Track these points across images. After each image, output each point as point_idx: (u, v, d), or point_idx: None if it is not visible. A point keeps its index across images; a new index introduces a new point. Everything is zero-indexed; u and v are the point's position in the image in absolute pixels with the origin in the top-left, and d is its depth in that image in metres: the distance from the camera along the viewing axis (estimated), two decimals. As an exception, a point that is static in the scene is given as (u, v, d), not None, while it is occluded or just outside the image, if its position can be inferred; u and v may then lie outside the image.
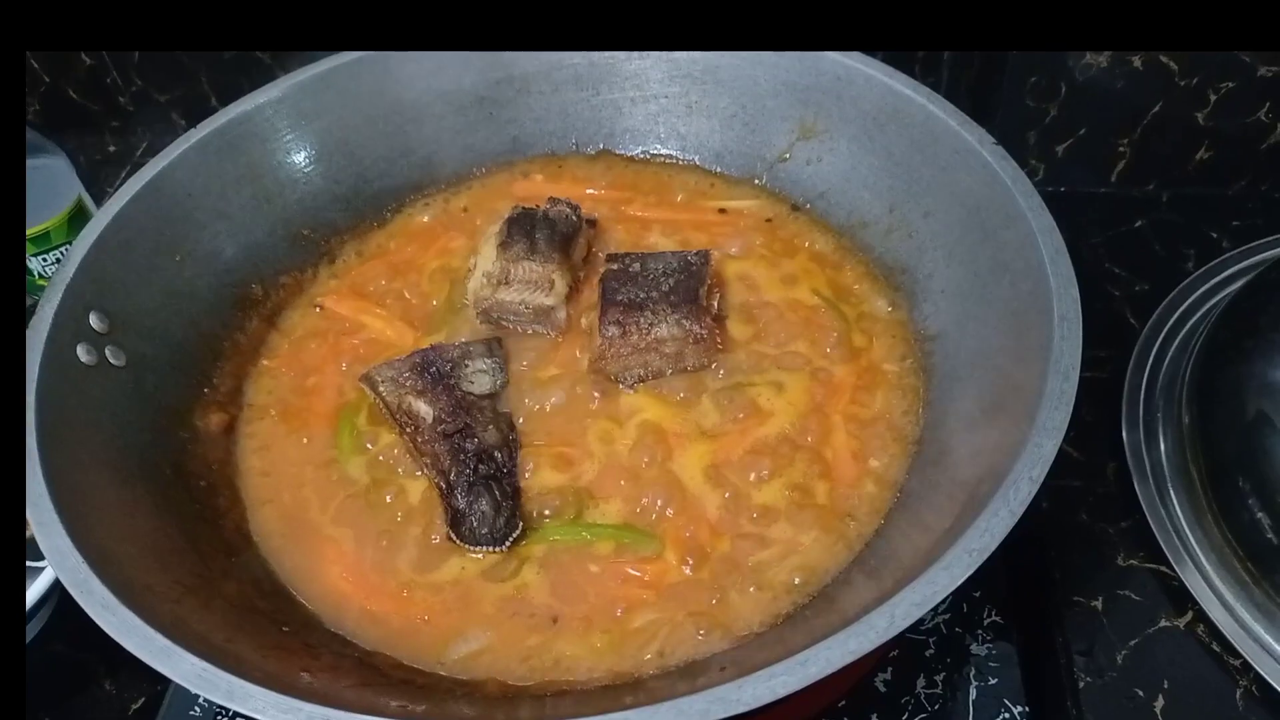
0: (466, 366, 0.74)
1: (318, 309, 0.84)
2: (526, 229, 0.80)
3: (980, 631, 0.75)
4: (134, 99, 1.19)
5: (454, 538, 0.67)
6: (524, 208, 0.82)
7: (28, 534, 0.78)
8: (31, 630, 0.79)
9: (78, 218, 0.94)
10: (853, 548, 0.65)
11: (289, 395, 0.78)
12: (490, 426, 0.72)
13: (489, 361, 0.75)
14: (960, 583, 0.50)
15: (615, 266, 0.78)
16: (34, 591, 0.74)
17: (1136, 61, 0.94)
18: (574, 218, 0.82)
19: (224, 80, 1.15)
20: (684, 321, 0.74)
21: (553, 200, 0.83)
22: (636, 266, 0.78)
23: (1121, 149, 1.01)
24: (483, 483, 0.68)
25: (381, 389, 0.73)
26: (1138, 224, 1.01)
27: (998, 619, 0.76)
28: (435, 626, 0.64)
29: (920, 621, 0.74)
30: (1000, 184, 0.71)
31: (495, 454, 0.70)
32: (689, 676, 0.59)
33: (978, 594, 0.77)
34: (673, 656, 0.62)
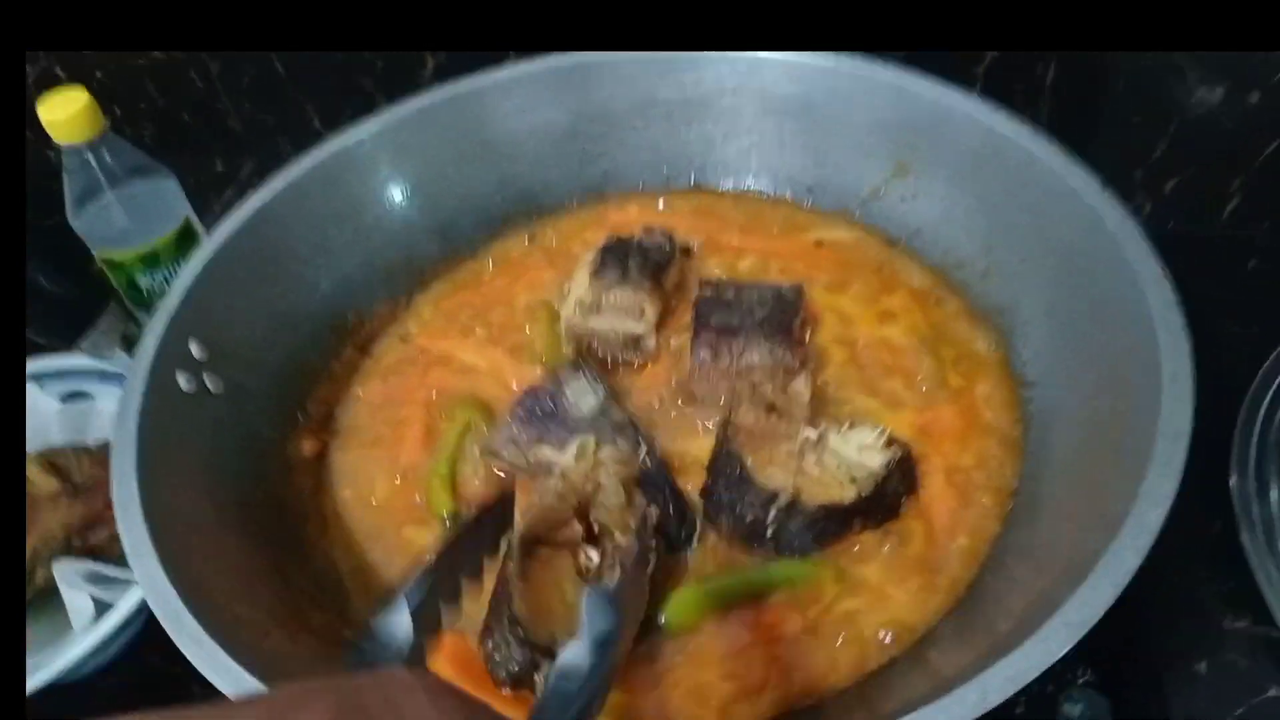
0: (566, 395, 0.73)
1: (409, 341, 0.85)
2: (620, 256, 0.80)
3: (1074, 691, 0.72)
4: (241, 121, 1.23)
5: None
6: (618, 236, 0.82)
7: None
8: (125, 640, 0.81)
9: (185, 238, 0.96)
10: (943, 603, 0.63)
11: (380, 425, 0.79)
12: (618, 439, 0.70)
13: (583, 379, 0.74)
14: (1058, 658, 0.48)
15: (709, 293, 0.78)
16: (129, 603, 0.76)
17: (1253, 97, 0.90)
18: (668, 246, 0.82)
19: (327, 106, 1.18)
20: (776, 351, 0.73)
21: (647, 228, 0.83)
22: (731, 294, 0.77)
23: (1233, 188, 0.97)
24: (648, 495, 0.66)
25: (506, 455, 0.72)
26: (1250, 266, 0.96)
27: (1092, 678, 0.73)
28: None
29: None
30: (1103, 230, 0.68)
31: (643, 461, 0.69)
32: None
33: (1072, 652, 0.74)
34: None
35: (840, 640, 0.62)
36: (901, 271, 0.84)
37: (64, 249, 0.91)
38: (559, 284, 0.85)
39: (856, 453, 0.66)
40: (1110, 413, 0.63)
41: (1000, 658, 0.48)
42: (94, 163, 0.88)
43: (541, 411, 0.72)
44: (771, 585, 0.65)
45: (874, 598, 0.64)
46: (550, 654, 0.53)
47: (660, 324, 0.80)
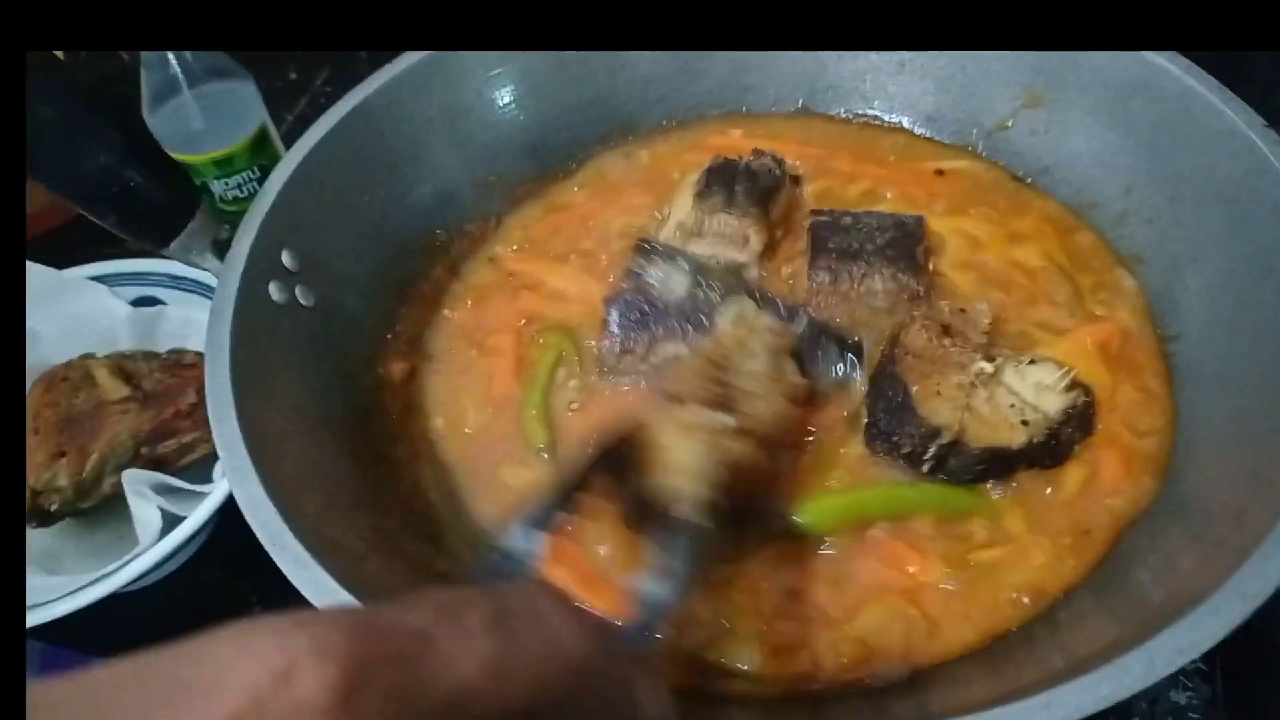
0: (651, 285, 0.69)
1: (498, 264, 0.81)
2: (726, 180, 0.75)
3: (1182, 677, 0.68)
4: (319, 27, 1.18)
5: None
6: (725, 158, 0.77)
7: (201, 453, 0.79)
8: (188, 553, 0.79)
9: (260, 143, 0.93)
10: (1086, 567, 0.59)
11: (470, 351, 0.75)
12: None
13: (660, 261, 0.70)
14: (1231, 631, 0.44)
15: (825, 218, 0.74)
16: (196, 517, 0.74)
17: None
18: (777, 172, 0.77)
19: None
20: (900, 276, 0.70)
21: (756, 152, 0.78)
22: (848, 220, 0.74)
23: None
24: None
25: (626, 368, 0.69)
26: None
27: (1202, 664, 0.68)
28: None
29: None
30: (1268, 173, 0.62)
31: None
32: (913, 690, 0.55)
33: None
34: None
35: (975, 594, 0.58)
36: (1033, 201, 0.78)
37: (159, 148, 0.88)
38: (655, 209, 0.81)
39: (1033, 393, 0.61)
40: (1268, 376, 0.58)
41: (1165, 627, 0.44)
42: (173, 60, 0.85)
43: (643, 310, 0.69)
44: (923, 506, 0.61)
45: (1016, 550, 0.60)
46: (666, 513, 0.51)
47: (763, 255, 0.75)
